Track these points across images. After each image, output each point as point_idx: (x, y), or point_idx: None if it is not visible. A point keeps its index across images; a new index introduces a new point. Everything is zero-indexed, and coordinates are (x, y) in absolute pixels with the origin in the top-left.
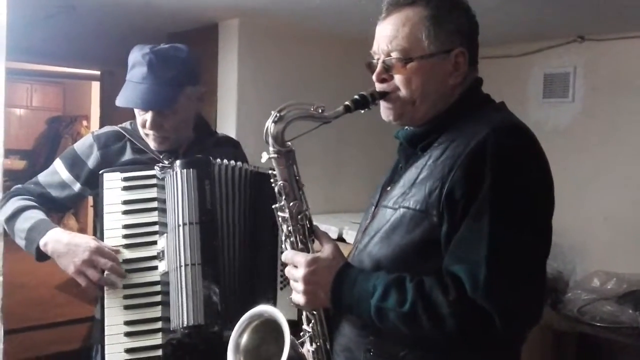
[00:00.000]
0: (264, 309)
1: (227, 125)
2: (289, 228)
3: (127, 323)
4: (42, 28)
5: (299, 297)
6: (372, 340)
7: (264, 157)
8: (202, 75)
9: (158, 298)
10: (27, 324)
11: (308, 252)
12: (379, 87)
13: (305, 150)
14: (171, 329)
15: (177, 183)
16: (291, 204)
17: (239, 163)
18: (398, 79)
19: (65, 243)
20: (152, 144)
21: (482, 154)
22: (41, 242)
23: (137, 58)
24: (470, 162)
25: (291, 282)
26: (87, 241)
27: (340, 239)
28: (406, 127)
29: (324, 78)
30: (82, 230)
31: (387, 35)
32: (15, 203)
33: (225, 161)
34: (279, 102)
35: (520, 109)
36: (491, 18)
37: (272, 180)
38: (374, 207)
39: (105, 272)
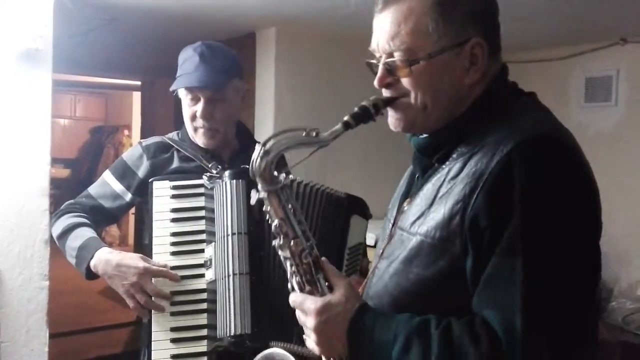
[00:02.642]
0: (274, 352)
1: (264, 131)
2: (293, 268)
3: (174, 329)
4: (85, 40)
5: (315, 348)
6: None
7: (253, 197)
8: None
9: (204, 306)
10: (70, 329)
11: (317, 290)
12: (384, 92)
13: (341, 155)
14: (218, 337)
15: (226, 193)
16: (291, 242)
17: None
18: (405, 82)
19: (114, 265)
20: (201, 141)
21: (508, 177)
22: (91, 263)
23: (188, 53)
24: (494, 187)
25: (304, 329)
26: (136, 263)
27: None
28: (415, 137)
29: (361, 84)
30: (123, 237)
31: (387, 31)
32: (66, 220)
33: None
34: (317, 109)
35: (561, 113)
36: (531, 21)
37: (267, 218)
38: (391, 226)
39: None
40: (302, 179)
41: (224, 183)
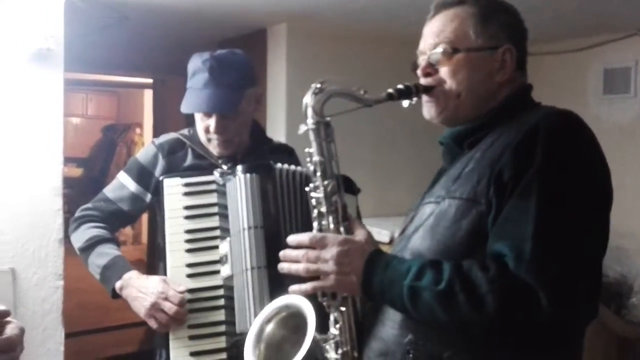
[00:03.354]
0: (293, 302)
1: (277, 129)
2: (322, 209)
3: (191, 326)
4: (97, 39)
5: (327, 280)
6: (411, 340)
7: (302, 128)
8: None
9: (221, 302)
10: (85, 328)
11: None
12: (423, 81)
13: (356, 152)
14: (237, 332)
15: (240, 188)
16: (326, 182)
17: (298, 167)
18: (444, 71)
19: (136, 288)
20: (215, 150)
21: (534, 136)
22: (117, 285)
23: (197, 65)
24: (520, 145)
25: (316, 265)
26: (154, 285)
27: (393, 242)
28: (449, 128)
29: (374, 80)
30: (137, 235)
31: (435, 31)
32: (87, 232)
33: (285, 166)
34: (329, 107)
35: (579, 105)
36: (548, 12)
37: (307, 159)
38: (413, 212)
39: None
40: (286, 166)
41: (237, 178)
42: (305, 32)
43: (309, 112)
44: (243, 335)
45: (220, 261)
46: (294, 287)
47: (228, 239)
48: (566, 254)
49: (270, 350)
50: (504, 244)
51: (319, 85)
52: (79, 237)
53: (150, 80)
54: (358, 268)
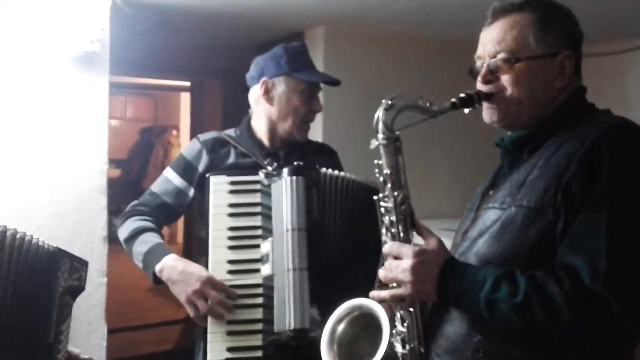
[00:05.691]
0: (364, 303)
1: (313, 132)
2: (392, 219)
3: (230, 322)
4: (138, 43)
5: (406, 289)
6: (480, 340)
7: (373, 144)
8: None
9: (260, 300)
10: (124, 325)
11: (410, 244)
12: (484, 88)
13: None
14: (275, 331)
15: (286, 189)
16: (396, 193)
17: (344, 174)
18: (505, 79)
19: (179, 271)
20: (302, 136)
21: (601, 149)
22: (157, 268)
23: (293, 51)
24: (588, 157)
25: (394, 274)
26: (200, 271)
27: None
28: (509, 132)
29: (411, 83)
30: (172, 235)
31: (495, 39)
32: (132, 224)
33: (331, 171)
34: (366, 109)
35: (621, 108)
36: (590, 14)
37: (376, 170)
38: (474, 212)
39: (213, 304)
40: (331, 171)
41: (283, 180)
42: (343, 35)
43: (381, 127)
44: (282, 335)
45: (262, 260)
46: (373, 294)
47: (270, 239)
48: (638, 266)
49: (343, 349)
50: (578, 258)
51: (390, 102)
52: (125, 230)
53: (187, 84)
54: (433, 277)
